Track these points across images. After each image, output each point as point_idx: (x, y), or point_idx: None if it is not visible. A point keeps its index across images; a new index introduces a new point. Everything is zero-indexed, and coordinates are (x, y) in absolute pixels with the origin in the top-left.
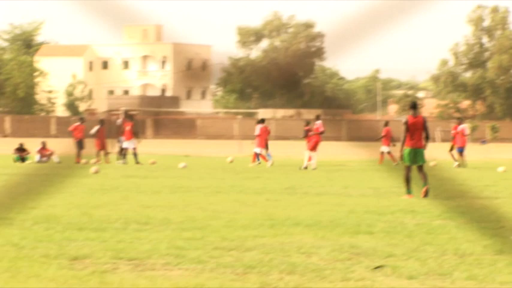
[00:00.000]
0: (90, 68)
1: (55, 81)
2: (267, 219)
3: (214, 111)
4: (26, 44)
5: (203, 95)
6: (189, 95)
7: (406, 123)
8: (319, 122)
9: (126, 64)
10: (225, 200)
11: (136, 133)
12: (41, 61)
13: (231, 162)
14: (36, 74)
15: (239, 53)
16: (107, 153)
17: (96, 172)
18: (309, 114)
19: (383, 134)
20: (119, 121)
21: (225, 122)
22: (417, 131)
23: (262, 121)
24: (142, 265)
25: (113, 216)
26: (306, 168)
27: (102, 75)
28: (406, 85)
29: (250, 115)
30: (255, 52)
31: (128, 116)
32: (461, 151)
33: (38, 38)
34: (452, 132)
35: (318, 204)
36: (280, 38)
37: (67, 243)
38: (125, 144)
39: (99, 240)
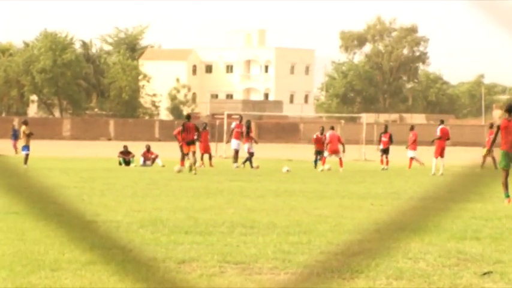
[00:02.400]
0: (194, 72)
1: (159, 85)
2: (371, 223)
3: (317, 115)
4: (131, 47)
5: (306, 99)
6: (291, 99)
7: (498, 126)
8: (441, 127)
9: (229, 68)
10: (330, 205)
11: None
12: (145, 65)
13: (328, 169)
14: (140, 77)
15: (342, 57)
16: (210, 157)
17: (179, 171)
18: (411, 119)
19: (414, 138)
20: (233, 124)
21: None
22: (510, 134)
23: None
24: (249, 269)
25: (218, 220)
26: (434, 174)
27: (205, 79)
28: (511, 90)
29: (352, 119)
30: (358, 56)
31: (241, 120)
32: None
33: (142, 42)
34: None
35: (423, 209)
36: (384, 43)
37: (174, 246)
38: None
39: (206, 244)
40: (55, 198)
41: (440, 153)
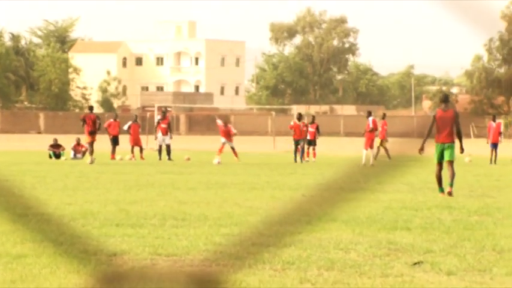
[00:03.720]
0: (124, 65)
1: (89, 77)
2: (303, 215)
3: (247, 107)
4: (60, 40)
5: (237, 91)
6: (222, 91)
7: (434, 116)
8: (371, 119)
9: (159, 60)
10: (261, 196)
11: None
12: (75, 57)
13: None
14: (70, 70)
15: (272, 49)
16: (141, 149)
17: (92, 162)
18: (342, 110)
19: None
20: (158, 118)
21: (258, 118)
22: (447, 126)
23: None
24: (180, 261)
25: (149, 212)
26: (364, 165)
27: (135, 72)
28: (440, 81)
29: (283, 111)
30: (288, 48)
31: (162, 112)
32: (494, 147)
33: (72, 35)
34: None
35: (354, 200)
36: (314, 34)
37: (105, 239)
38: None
39: (137, 236)
40: None
41: (370, 144)
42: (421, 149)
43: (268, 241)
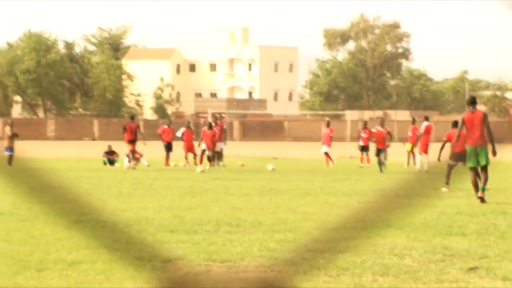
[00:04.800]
0: (178, 71)
1: (143, 84)
2: (358, 221)
3: (301, 113)
4: (114, 47)
5: (290, 97)
6: (276, 97)
7: (462, 119)
8: (424, 124)
9: (213, 67)
10: (315, 202)
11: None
12: (128, 64)
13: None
14: (124, 77)
15: (326, 55)
16: (195, 156)
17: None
18: (396, 115)
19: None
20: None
21: (312, 124)
22: (476, 128)
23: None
24: (235, 267)
25: (204, 219)
26: (419, 171)
27: (189, 78)
28: (494, 86)
29: (337, 117)
30: (342, 54)
31: (215, 118)
32: None
33: (126, 41)
34: None
35: (408, 206)
36: (367, 40)
37: (159, 245)
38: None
39: (192, 243)
40: (40, 198)
41: (425, 149)
42: (439, 157)
43: (323, 247)
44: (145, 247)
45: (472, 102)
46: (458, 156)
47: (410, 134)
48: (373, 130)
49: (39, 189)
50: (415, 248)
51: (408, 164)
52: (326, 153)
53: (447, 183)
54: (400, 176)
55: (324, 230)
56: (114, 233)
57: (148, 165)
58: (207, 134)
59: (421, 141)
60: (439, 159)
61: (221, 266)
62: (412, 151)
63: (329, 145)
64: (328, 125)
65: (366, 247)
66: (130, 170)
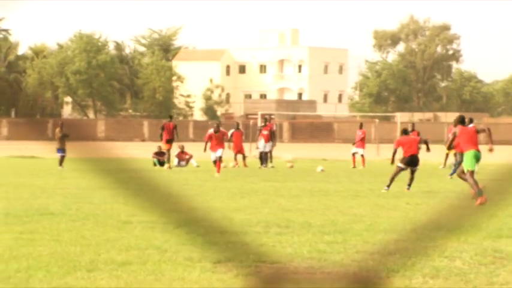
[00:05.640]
0: (227, 72)
1: (192, 85)
2: (408, 223)
3: (350, 114)
4: (164, 48)
5: (340, 98)
6: (325, 99)
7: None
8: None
9: (262, 68)
10: (365, 204)
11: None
12: (178, 66)
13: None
14: (174, 78)
15: (375, 56)
16: (244, 157)
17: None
18: (446, 117)
19: (362, 136)
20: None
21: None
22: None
23: None
24: (285, 268)
25: (253, 220)
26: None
27: (239, 80)
28: None
29: (386, 119)
30: (392, 55)
31: (264, 119)
32: None
33: (176, 43)
34: None
35: (459, 208)
36: (417, 41)
37: (209, 246)
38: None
39: (241, 244)
40: (90, 198)
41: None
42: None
43: (373, 249)
44: (195, 248)
45: (461, 121)
46: (409, 161)
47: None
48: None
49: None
50: (465, 251)
51: (444, 165)
52: (361, 155)
53: (389, 186)
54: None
55: (374, 231)
56: (164, 234)
57: (198, 166)
58: (235, 134)
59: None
60: (392, 162)
61: (271, 268)
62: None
63: (363, 147)
64: (360, 127)
65: (415, 249)
66: (178, 171)
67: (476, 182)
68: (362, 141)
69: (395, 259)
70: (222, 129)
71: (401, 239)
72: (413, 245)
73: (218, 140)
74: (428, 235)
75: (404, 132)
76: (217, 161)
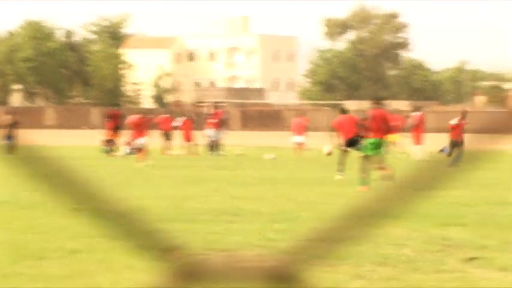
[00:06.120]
0: (177, 60)
1: (142, 73)
2: (356, 210)
3: (300, 102)
4: (113, 36)
5: (290, 86)
6: (275, 87)
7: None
8: (416, 114)
9: (212, 56)
10: (314, 192)
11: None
12: (128, 53)
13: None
14: (123, 66)
15: (326, 44)
16: (194, 145)
17: (330, 154)
18: (395, 106)
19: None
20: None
21: (311, 113)
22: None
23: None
24: (234, 256)
25: (203, 208)
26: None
27: (188, 67)
28: (493, 76)
29: (336, 107)
30: (342, 43)
31: (214, 107)
32: None
33: (125, 30)
34: None
35: (405, 195)
36: (367, 29)
37: (158, 234)
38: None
39: (190, 232)
40: (40, 187)
41: (419, 140)
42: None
43: (322, 237)
44: (144, 236)
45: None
46: (349, 143)
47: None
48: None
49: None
50: (413, 238)
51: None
52: (300, 143)
53: (341, 171)
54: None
55: (323, 219)
56: (113, 222)
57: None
58: (186, 122)
59: (414, 132)
60: (331, 152)
61: (220, 255)
62: (396, 141)
63: (303, 134)
64: (301, 115)
65: (365, 237)
66: (127, 159)
67: (365, 170)
68: (302, 129)
69: (344, 247)
70: (146, 116)
71: (350, 227)
72: (362, 233)
73: (141, 127)
74: (377, 222)
75: (343, 111)
76: (141, 149)
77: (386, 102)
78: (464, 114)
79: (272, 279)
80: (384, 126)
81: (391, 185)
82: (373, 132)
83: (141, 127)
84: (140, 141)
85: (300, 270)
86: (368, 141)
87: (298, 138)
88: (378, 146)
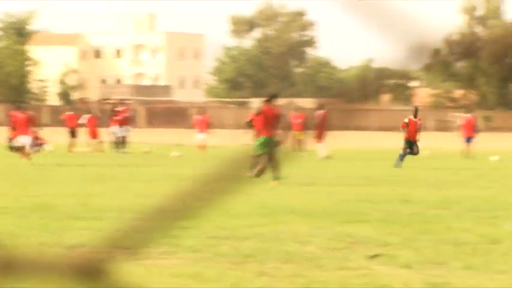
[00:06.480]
0: (83, 57)
1: (48, 70)
2: (262, 208)
3: (207, 100)
4: (19, 32)
5: (196, 84)
6: (181, 84)
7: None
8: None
9: (118, 53)
10: None
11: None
12: (33, 50)
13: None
14: (28, 62)
15: (232, 42)
16: (99, 142)
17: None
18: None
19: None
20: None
21: (218, 111)
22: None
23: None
24: (138, 254)
25: (109, 205)
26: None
27: (94, 64)
28: (399, 74)
29: (243, 104)
30: (248, 41)
31: (119, 104)
32: (468, 141)
33: (32, 27)
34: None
35: (312, 193)
36: (273, 27)
37: (63, 232)
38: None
39: (96, 229)
40: None
41: (321, 137)
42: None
43: (227, 234)
44: (48, 234)
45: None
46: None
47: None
48: (406, 120)
49: None
50: (318, 235)
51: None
52: (203, 140)
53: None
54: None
55: (228, 216)
56: (16, 219)
57: (52, 151)
58: (91, 119)
59: (318, 130)
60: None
61: (124, 253)
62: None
63: (206, 132)
64: (202, 112)
65: (269, 234)
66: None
67: (254, 165)
68: (205, 126)
69: (249, 244)
70: (29, 112)
71: (256, 224)
72: (267, 230)
73: (24, 124)
74: (281, 220)
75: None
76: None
77: (279, 99)
78: (415, 112)
79: (80, 275)
80: (273, 123)
81: (195, 181)
82: (262, 130)
83: (25, 125)
84: (23, 139)
85: (108, 265)
86: (258, 140)
87: (201, 136)
88: (266, 144)
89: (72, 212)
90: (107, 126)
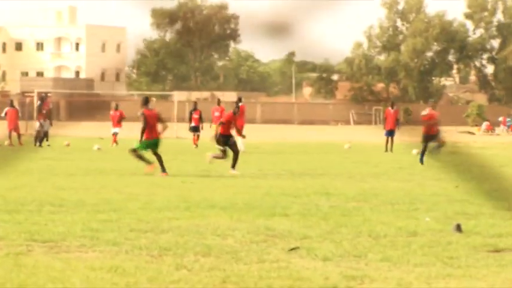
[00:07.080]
0: (4, 50)
1: None
2: (182, 201)
3: (128, 93)
4: None
5: (117, 77)
6: (103, 77)
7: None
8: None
9: (40, 46)
10: (141, 182)
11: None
12: None
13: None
14: None
15: (153, 35)
16: (19, 135)
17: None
18: (223, 96)
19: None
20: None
21: (139, 104)
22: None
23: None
24: (56, 247)
25: (27, 199)
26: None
27: (15, 57)
28: (321, 68)
29: (164, 97)
30: (170, 34)
31: (41, 98)
32: (390, 134)
33: None
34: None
35: (233, 186)
36: (195, 20)
37: None
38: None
39: (13, 222)
40: None
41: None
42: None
43: (146, 227)
44: None
45: (145, 103)
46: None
47: (217, 114)
48: (423, 112)
49: None
50: (238, 229)
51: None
52: (115, 134)
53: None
54: None
55: (148, 210)
56: None
57: None
58: (10, 111)
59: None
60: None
61: (43, 246)
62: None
63: (119, 126)
64: (116, 108)
65: (188, 227)
66: None
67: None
68: (116, 120)
69: (168, 237)
70: None
71: (175, 217)
72: (186, 224)
73: None
74: (202, 213)
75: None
76: None
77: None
78: (433, 106)
79: None
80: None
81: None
82: (148, 132)
83: None
84: None
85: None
86: (145, 142)
87: (116, 130)
88: (152, 145)
89: None
90: (27, 119)
